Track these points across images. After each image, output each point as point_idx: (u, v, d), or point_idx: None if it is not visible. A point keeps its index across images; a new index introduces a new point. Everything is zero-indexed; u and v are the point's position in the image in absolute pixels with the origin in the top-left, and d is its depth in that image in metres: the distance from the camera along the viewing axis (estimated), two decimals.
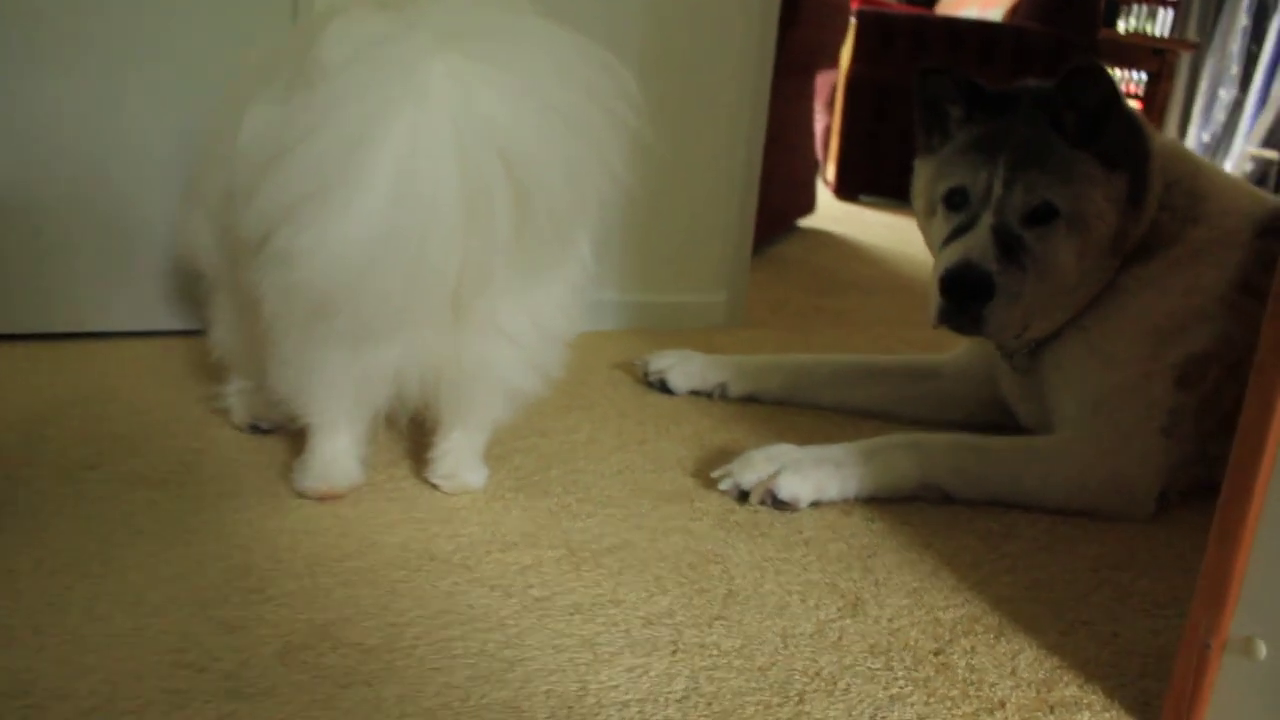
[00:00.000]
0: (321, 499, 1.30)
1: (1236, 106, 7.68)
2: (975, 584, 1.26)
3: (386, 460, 1.42)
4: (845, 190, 4.64)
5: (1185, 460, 1.52)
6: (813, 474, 1.41)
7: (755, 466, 1.42)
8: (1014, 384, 1.68)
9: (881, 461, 1.45)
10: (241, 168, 1.09)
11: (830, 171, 4.67)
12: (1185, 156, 1.60)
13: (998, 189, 1.48)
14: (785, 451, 1.44)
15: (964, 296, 1.45)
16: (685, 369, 1.82)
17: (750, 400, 1.82)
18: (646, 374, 1.84)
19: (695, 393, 1.83)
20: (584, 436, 1.60)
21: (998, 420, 1.75)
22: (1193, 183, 1.57)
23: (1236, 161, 7.49)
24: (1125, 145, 1.48)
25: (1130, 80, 7.44)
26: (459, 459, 1.35)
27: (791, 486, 1.40)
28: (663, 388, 1.82)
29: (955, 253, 1.47)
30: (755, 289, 2.57)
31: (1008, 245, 1.45)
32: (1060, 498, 1.47)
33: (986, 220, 1.47)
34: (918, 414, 1.79)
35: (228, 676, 0.96)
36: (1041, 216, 1.46)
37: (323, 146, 1.03)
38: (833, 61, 4.39)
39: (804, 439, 1.65)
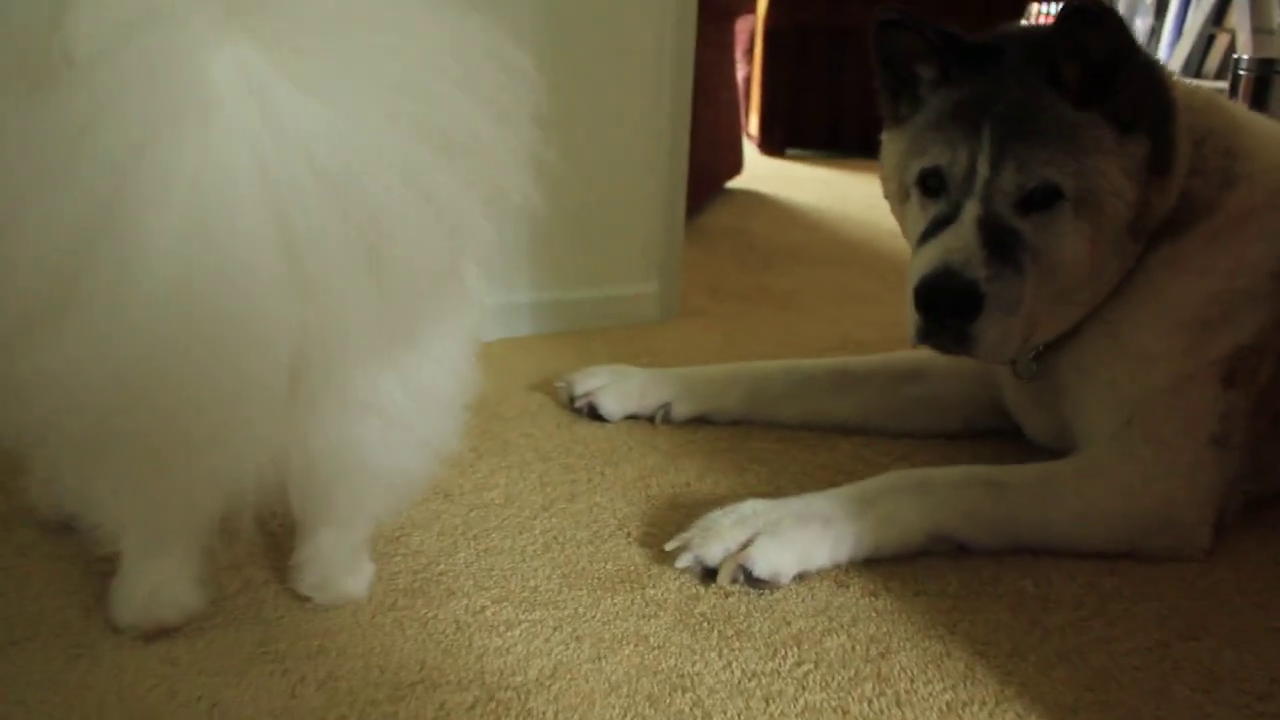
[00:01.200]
0: (147, 637, 0.96)
1: (1153, 35, 7.52)
2: (1022, 685, 0.96)
3: (239, 558, 1.07)
4: (770, 145, 4.32)
5: (1240, 474, 1.24)
6: (796, 538, 1.10)
7: (721, 534, 1.10)
8: (1019, 391, 1.38)
9: (881, 513, 1.14)
10: None
11: (754, 125, 4.34)
12: (1217, 106, 1.30)
13: (983, 169, 1.17)
14: (758, 511, 1.12)
15: (945, 312, 1.14)
16: (619, 389, 1.49)
17: (701, 421, 1.50)
18: (573, 398, 1.51)
19: (633, 417, 1.50)
20: (499, 495, 1.26)
21: (999, 425, 1.46)
22: (1229, 137, 1.27)
23: None
24: (1143, 101, 1.17)
25: (1047, 12, 7.23)
26: (331, 563, 1.00)
27: (770, 559, 1.08)
28: (593, 414, 1.49)
29: (932, 255, 1.16)
30: (688, 269, 2.24)
31: (999, 241, 1.15)
32: (1100, 538, 1.18)
33: (971, 210, 1.16)
34: (903, 425, 1.49)
35: None
36: (1042, 200, 1.16)
37: (61, 208, 0.67)
38: (751, 5, 4.04)
39: (773, 473, 1.35)
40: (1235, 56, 3.42)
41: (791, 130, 4.32)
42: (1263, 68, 3.41)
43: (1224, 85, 6.45)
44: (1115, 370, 1.24)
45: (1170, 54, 7.34)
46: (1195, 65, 7.32)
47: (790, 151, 4.38)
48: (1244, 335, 1.22)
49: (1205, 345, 1.22)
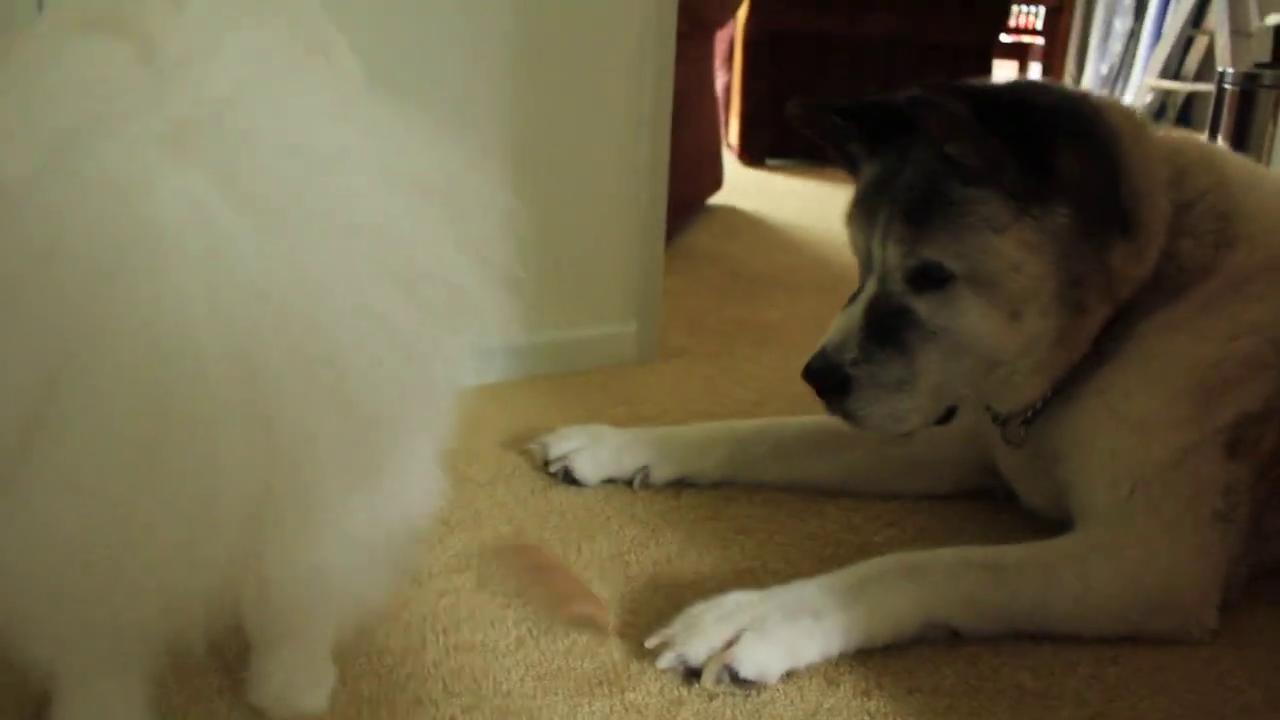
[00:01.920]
0: None
1: (1132, 37, 7.50)
2: None
3: (187, 669, 1.00)
4: (750, 155, 4.26)
5: (1244, 550, 1.19)
6: (783, 634, 1.04)
7: (705, 631, 1.04)
8: (1013, 456, 1.32)
9: (872, 602, 1.07)
10: None
11: (733, 135, 4.28)
12: (1211, 164, 1.24)
13: (877, 249, 1.18)
14: (742, 605, 1.06)
15: (820, 392, 1.19)
16: (595, 454, 1.42)
17: (681, 483, 1.44)
18: (547, 461, 1.44)
19: (610, 481, 1.43)
20: (470, 579, 1.19)
21: (991, 485, 1.41)
22: (1222, 197, 1.21)
23: (1136, 93, 7.33)
24: (1068, 168, 1.11)
25: (1029, 14, 7.21)
26: (289, 677, 0.93)
27: (757, 658, 1.02)
28: (569, 478, 1.42)
29: (825, 336, 1.20)
30: (668, 301, 2.17)
31: (885, 321, 1.16)
32: (1102, 622, 1.13)
33: (869, 289, 1.19)
34: (891, 487, 1.43)
35: None
36: (935, 278, 1.14)
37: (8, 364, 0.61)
38: (730, 14, 3.98)
39: (758, 545, 1.29)
40: (1220, 70, 3.38)
41: (773, 139, 4.27)
42: (1247, 81, 3.37)
43: (1206, 88, 6.45)
44: (1114, 441, 1.19)
45: (1149, 56, 7.34)
46: (1174, 68, 7.33)
47: (771, 161, 4.32)
48: (1249, 403, 1.17)
49: (1208, 414, 1.17)
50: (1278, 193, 1.25)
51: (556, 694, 1.01)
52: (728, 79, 4.26)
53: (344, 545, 0.81)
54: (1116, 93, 7.62)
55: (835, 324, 1.19)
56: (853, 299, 1.20)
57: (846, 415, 1.18)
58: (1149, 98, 7.36)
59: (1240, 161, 1.32)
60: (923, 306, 1.14)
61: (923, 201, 1.13)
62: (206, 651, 0.91)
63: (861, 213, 1.20)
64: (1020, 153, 1.09)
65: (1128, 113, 1.20)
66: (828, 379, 1.17)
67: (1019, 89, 1.21)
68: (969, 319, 1.14)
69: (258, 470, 0.65)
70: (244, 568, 0.77)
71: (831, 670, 1.06)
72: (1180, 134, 1.28)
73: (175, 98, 0.66)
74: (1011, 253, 1.11)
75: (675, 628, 1.06)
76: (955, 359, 1.16)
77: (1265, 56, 3.53)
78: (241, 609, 0.84)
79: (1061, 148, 1.10)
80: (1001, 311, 1.13)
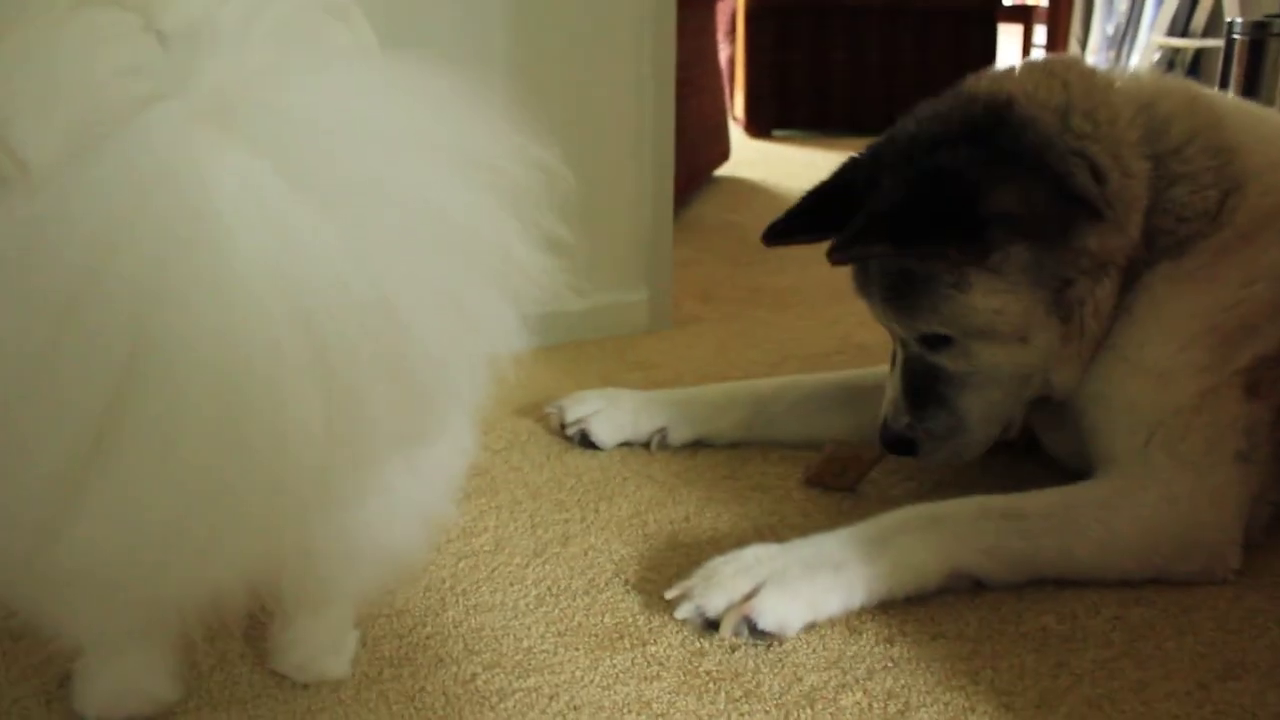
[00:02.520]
0: None
1: None
2: None
3: (213, 631, 1.00)
4: (756, 127, 4.24)
5: (1265, 488, 1.18)
6: (804, 588, 1.03)
7: (724, 584, 1.04)
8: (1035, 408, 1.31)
9: (895, 555, 1.07)
10: None
11: (739, 107, 4.25)
12: (1194, 103, 1.20)
13: (889, 324, 1.24)
14: (763, 558, 1.06)
15: (896, 453, 1.27)
16: (612, 416, 1.42)
17: (697, 444, 1.43)
18: (563, 425, 1.44)
19: (627, 444, 1.43)
20: (488, 541, 1.19)
21: (1010, 437, 1.39)
22: (1215, 134, 1.18)
23: (1144, 52, 7.25)
24: (1001, 214, 1.10)
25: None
26: (315, 644, 0.93)
27: (777, 611, 1.01)
28: (585, 442, 1.42)
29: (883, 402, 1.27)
30: (678, 270, 2.16)
31: (921, 383, 1.22)
32: (1126, 565, 1.12)
33: (900, 356, 1.25)
34: None
35: None
36: (941, 340, 1.19)
37: (77, 359, 0.61)
38: None
39: (776, 502, 1.29)
40: (1228, 20, 3.33)
41: (777, 111, 4.24)
42: (1257, 30, 3.32)
43: (1215, 44, 6.38)
44: (1133, 390, 1.17)
45: (1156, 13, 7.25)
46: (1181, 24, 7.24)
47: (777, 132, 4.29)
48: (1266, 345, 1.16)
49: (1226, 357, 1.16)
50: (1269, 121, 1.22)
51: (578, 649, 1.00)
52: (731, 52, 4.23)
53: (384, 501, 0.81)
54: (1123, 50, 7.55)
55: (886, 392, 1.26)
56: (894, 359, 1.26)
57: (921, 464, 1.28)
58: (1157, 55, 7.27)
59: (1233, 100, 1.30)
60: (945, 361, 1.19)
61: (895, 287, 1.17)
62: (231, 618, 0.93)
63: (862, 294, 1.24)
64: (953, 237, 1.11)
65: (1065, 86, 1.16)
66: (899, 448, 1.25)
67: (929, 162, 1.14)
68: (983, 361, 1.18)
69: (326, 435, 0.66)
70: (297, 530, 0.77)
71: (854, 619, 1.05)
72: (1161, 80, 1.24)
73: (209, 72, 0.66)
74: (987, 303, 1.14)
75: (694, 580, 1.05)
76: (989, 393, 1.20)
77: (1275, 8, 3.48)
78: (281, 575, 0.84)
79: (990, 199, 1.10)
80: (1008, 344, 1.17)
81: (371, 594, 0.94)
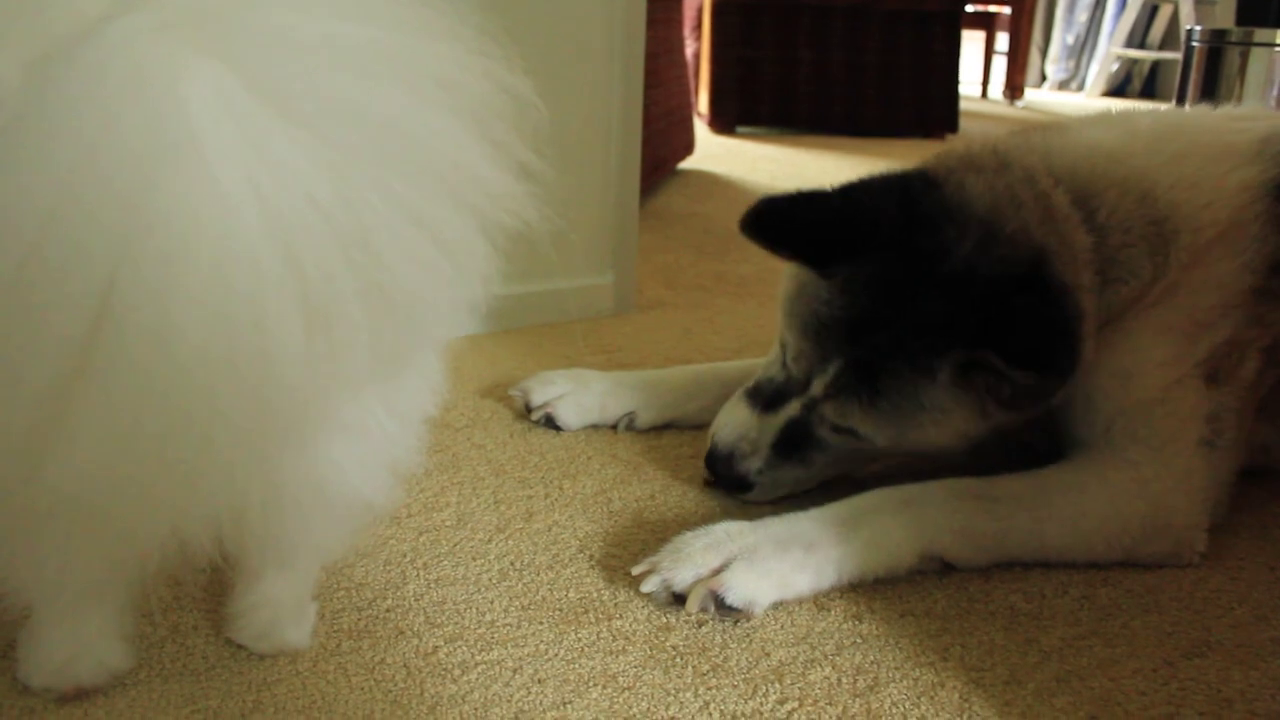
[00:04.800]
0: (63, 699, 0.85)
1: (1098, 6, 7.52)
2: (1022, 716, 0.89)
3: (165, 600, 0.97)
4: (720, 123, 4.24)
5: (1230, 475, 1.18)
6: (774, 565, 1.02)
7: (692, 557, 1.02)
8: None
9: (866, 535, 1.06)
10: None
11: (703, 103, 4.25)
12: (1128, 183, 1.16)
13: (817, 386, 1.13)
14: (732, 534, 1.04)
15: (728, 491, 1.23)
16: (579, 400, 1.39)
17: (667, 427, 1.41)
18: (529, 408, 1.41)
19: (594, 426, 1.41)
20: (449, 516, 1.17)
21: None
22: (1149, 206, 1.15)
23: (1103, 63, 7.35)
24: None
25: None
26: (275, 611, 0.90)
27: (746, 587, 1.00)
28: (551, 425, 1.40)
29: (727, 422, 1.21)
30: (643, 257, 2.15)
31: (794, 442, 1.17)
32: (1095, 547, 1.11)
33: (790, 412, 1.16)
34: None
35: None
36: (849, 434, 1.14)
37: (60, 278, 0.58)
38: None
39: None
40: (1186, 28, 3.37)
41: (742, 107, 4.24)
42: (1215, 38, 3.36)
43: (1173, 56, 6.47)
44: (1101, 388, 1.15)
45: (1114, 25, 7.36)
46: (1139, 36, 7.36)
47: (741, 129, 4.30)
48: (1220, 334, 1.16)
49: (1185, 352, 1.15)
50: (1192, 149, 1.18)
51: (541, 623, 0.98)
52: (697, 47, 4.23)
53: (355, 440, 0.78)
54: (1082, 60, 7.65)
55: (742, 424, 1.18)
56: (757, 393, 1.19)
57: (744, 501, 1.21)
58: (1115, 66, 7.39)
59: (1140, 128, 1.23)
60: (837, 440, 1.15)
61: (879, 387, 1.09)
62: (186, 583, 0.89)
63: (813, 348, 1.13)
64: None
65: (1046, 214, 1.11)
66: (733, 486, 1.20)
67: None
68: (904, 446, 1.14)
69: (306, 352, 0.64)
70: (280, 455, 0.74)
71: (822, 596, 1.04)
72: (1077, 153, 1.18)
73: None
74: (939, 428, 1.10)
75: (661, 555, 1.04)
76: (866, 457, 1.20)
77: (1229, 23, 3.52)
78: (241, 523, 0.81)
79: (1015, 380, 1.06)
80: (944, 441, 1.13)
81: (337, 550, 0.92)
